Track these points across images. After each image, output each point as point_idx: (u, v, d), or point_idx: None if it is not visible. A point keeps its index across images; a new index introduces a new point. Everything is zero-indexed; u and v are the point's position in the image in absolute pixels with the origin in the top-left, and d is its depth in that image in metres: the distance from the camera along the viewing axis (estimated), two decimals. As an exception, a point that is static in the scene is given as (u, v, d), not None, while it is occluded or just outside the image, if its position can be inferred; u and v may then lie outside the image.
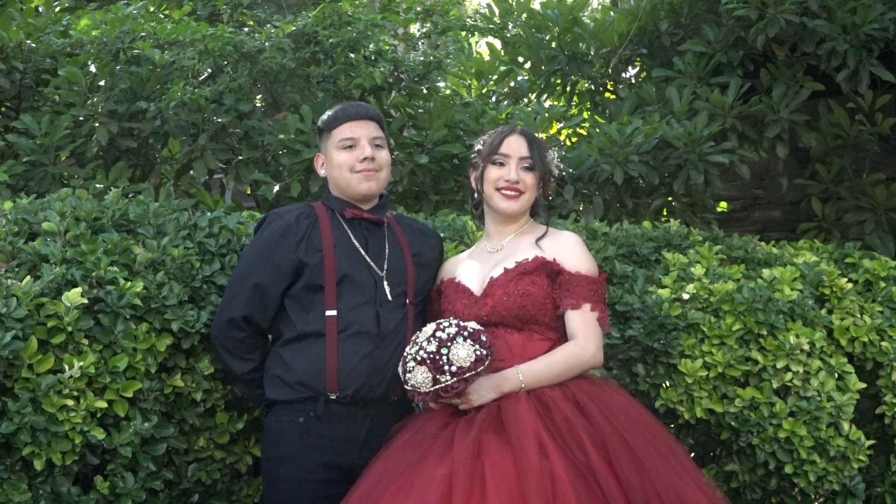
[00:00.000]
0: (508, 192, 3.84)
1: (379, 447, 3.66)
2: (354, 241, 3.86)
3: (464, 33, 7.16)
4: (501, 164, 3.85)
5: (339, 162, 3.88)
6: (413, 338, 3.64)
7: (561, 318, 3.76)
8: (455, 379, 3.50)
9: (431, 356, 3.52)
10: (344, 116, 3.90)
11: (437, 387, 3.52)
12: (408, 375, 3.57)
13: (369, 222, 3.91)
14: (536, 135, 4.00)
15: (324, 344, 3.73)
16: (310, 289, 3.77)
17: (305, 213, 3.90)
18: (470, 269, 3.90)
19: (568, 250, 3.81)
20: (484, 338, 3.55)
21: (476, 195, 3.98)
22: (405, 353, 3.61)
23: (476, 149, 3.97)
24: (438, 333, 3.55)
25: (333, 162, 3.90)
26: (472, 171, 3.96)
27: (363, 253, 3.85)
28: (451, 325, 3.57)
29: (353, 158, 3.85)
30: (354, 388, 3.71)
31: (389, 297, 3.81)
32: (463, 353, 3.51)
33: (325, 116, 3.99)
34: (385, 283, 3.82)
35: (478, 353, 3.52)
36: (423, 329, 3.62)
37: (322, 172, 3.99)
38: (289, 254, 3.79)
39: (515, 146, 3.85)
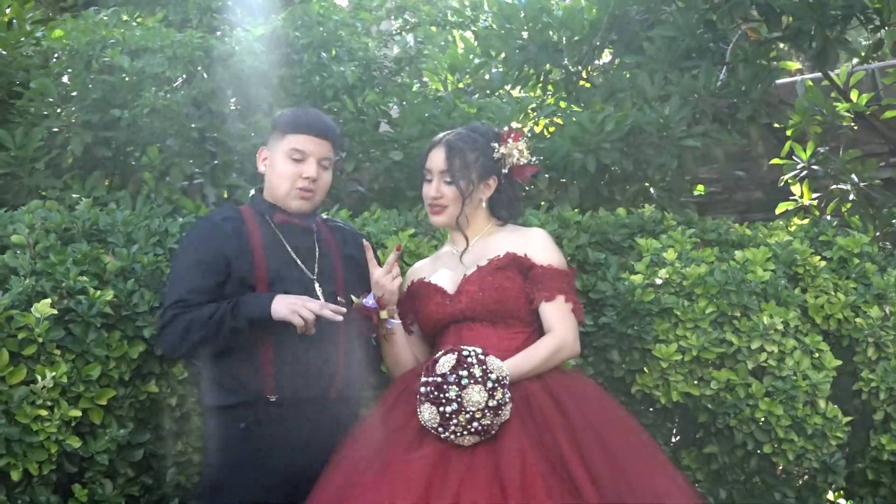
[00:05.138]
0: (433, 208, 3.87)
1: (324, 447, 3.62)
2: (285, 243, 3.80)
3: (434, 28, 7.16)
4: (429, 181, 3.88)
5: (283, 172, 3.80)
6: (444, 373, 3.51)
7: (535, 312, 3.78)
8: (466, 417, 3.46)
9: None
10: (303, 128, 3.80)
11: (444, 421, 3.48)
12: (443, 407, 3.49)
13: (299, 227, 3.85)
14: (482, 132, 3.94)
15: (259, 345, 3.68)
16: (240, 290, 3.68)
17: (231, 216, 3.83)
18: (441, 270, 3.91)
19: (537, 245, 3.84)
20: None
21: None
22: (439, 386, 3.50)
23: None
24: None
25: (276, 168, 3.82)
26: None
27: (293, 255, 3.79)
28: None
29: (297, 173, 3.78)
30: (293, 389, 3.67)
31: (321, 298, 3.73)
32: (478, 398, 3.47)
33: (284, 115, 3.91)
34: (316, 284, 3.78)
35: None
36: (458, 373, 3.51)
37: (262, 168, 3.91)
38: (218, 249, 3.70)
39: (436, 161, 3.85)
